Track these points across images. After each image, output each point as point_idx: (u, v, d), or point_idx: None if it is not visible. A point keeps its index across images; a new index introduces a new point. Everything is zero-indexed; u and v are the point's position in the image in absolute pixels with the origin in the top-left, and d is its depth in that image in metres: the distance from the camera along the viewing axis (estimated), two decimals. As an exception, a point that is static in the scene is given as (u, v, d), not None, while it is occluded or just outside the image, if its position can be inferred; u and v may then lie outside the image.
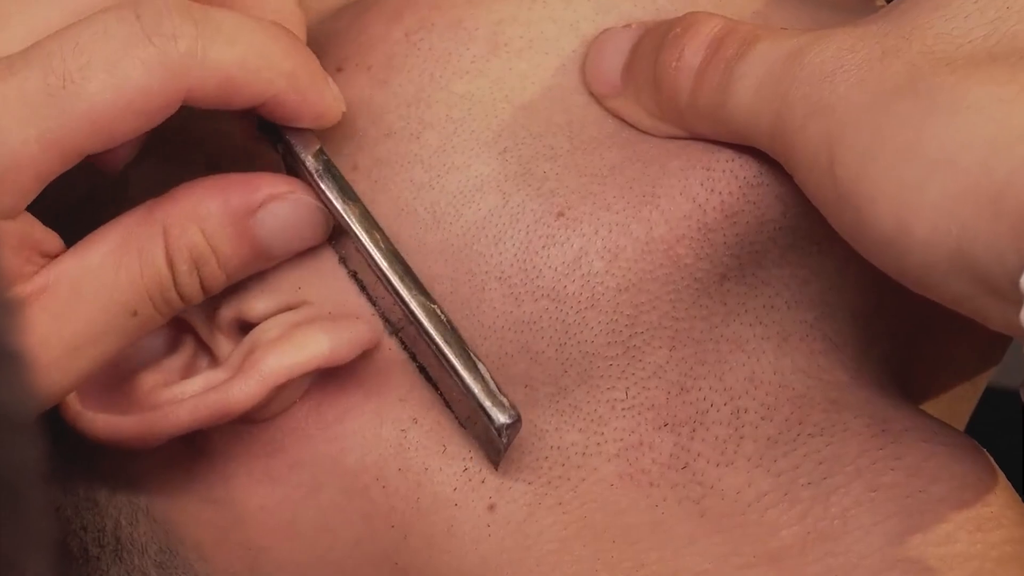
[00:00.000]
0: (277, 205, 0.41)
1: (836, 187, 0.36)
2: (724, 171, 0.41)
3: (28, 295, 0.39)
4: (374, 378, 0.43)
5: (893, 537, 0.41)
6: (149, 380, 0.43)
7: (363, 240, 0.42)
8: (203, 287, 0.41)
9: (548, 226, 0.42)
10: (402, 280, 0.41)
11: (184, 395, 0.42)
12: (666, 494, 0.42)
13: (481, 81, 0.44)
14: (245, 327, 0.43)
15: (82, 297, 0.39)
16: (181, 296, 0.40)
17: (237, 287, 0.43)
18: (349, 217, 0.42)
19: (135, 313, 0.40)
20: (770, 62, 0.38)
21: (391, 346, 0.43)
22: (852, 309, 0.43)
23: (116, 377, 0.43)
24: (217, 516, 0.43)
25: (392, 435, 0.42)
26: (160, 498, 0.44)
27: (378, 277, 0.41)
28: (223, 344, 0.43)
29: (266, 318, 0.43)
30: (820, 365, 0.43)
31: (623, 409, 0.42)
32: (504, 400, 0.40)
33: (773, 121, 0.38)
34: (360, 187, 0.43)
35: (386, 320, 0.42)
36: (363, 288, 0.43)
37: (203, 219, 0.40)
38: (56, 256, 0.40)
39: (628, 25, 0.43)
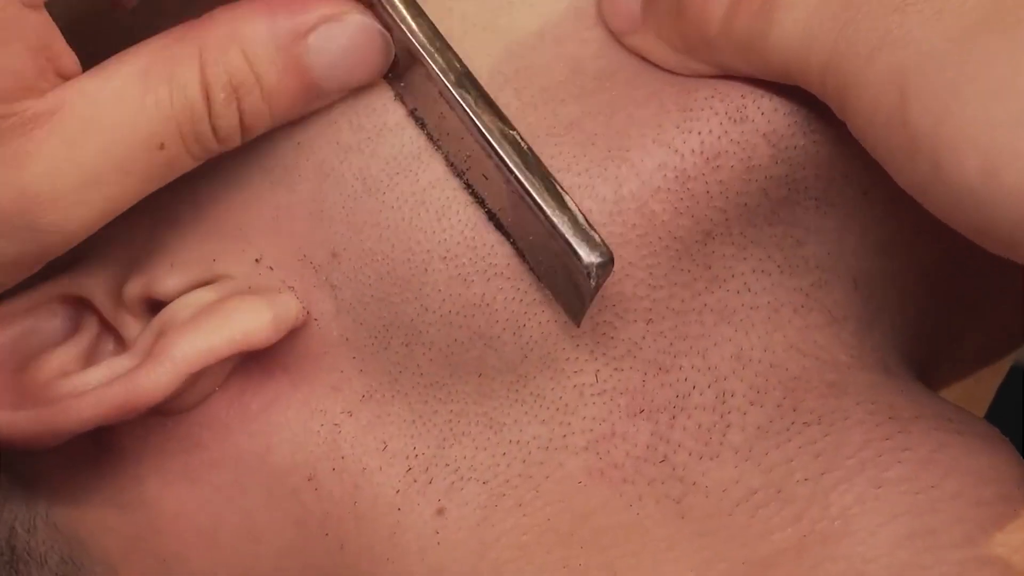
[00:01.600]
0: (331, 28, 0.37)
1: (907, 130, 0.32)
2: (703, 109, 0.37)
3: (39, 113, 0.34)
4: (302, 363, 0.39)
5: (901, 539, 0.37)
6: (46, 369, 0.39)
7: (429, 62, 0.37)
8: (243, 123, 0.36)
9: None
10: (476, 103, 0.37)
11: (86, 386, 0.38)
12: (642, 492, 0.38)
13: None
14: (155, 306, 0.39)
15: (101, 123, 0.35)
16: (216, 131, 0.36)
17: (143, 260, 0.39)
18: (415, 36, 0.37)
19: (162, 147, 0.35)
20: None
21: (320, 323, 0.39)
22: (854, 276, 0.40)
23: (9, 366, 0.39)
24: (127, 522, 0.40)
25: (324, 430, 0.39)
26: (62, 502, 0.41)
27: (448, 103, 0.37)
28: (130, 324, 0.40)
29: (178, 295, 0.39)
30: (816, 342, 0.39)
31: (592, 395, 0.38)
32: (595, 236, 0.36)
33: (827, 56, 0.34)
34: (283, 150, 0.39)
35: (449, 162, 0.38)
36: (423, 127, 0.38)
37: (246, 41, 0.36)
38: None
39: None
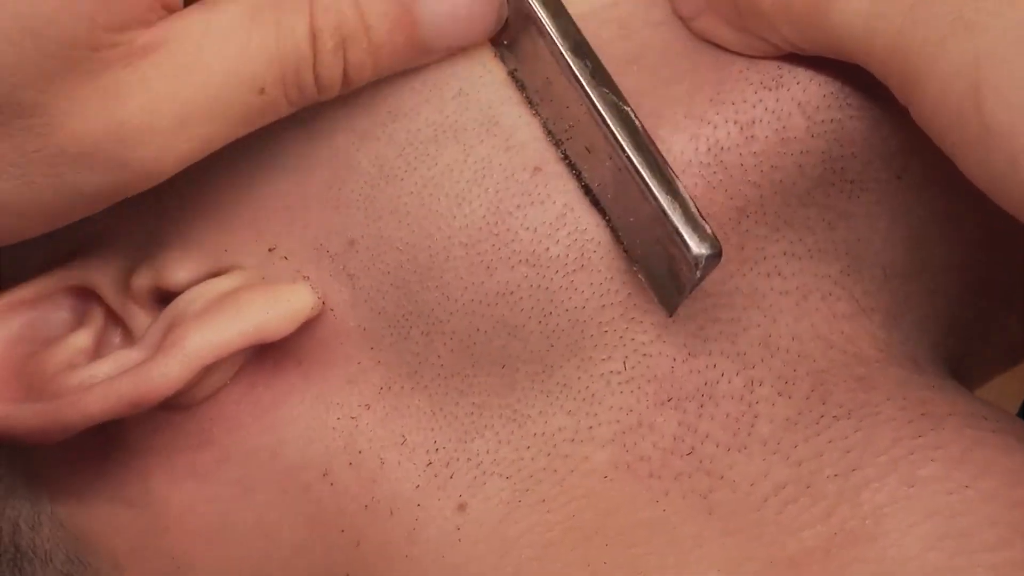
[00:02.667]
0: None
1: (982, 124, 0.31)
2: (737, 80, 0.36)
3: (145, 45, 0.33)
4: (317, 355, 0.38)
5: (934, 541, 0.36)
6: (53, 361, 0.38)
7: (547, 26, 0.35)
8: (345, 74, 0.35)
9: (523, 183, 0.36)
10: (592, 75, 0.35)
11: (94, 379, 0.37)
12: (668, 487, 0.37)
13: None
14: (164, 297, 0.38)
15: (204, 61, 0.34)
16: (317, 80, 0.35)
17: (151, 250, 0.38)
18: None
19: (262, 91, 0.34)
20: None
21: (336, 312, 0.37)
22: (883, 265, 0.38)
23: (13, 358, 0.38)
24: (134, 520, 0.39)
25: (340, 424, 0.38)
26: (67, 498, 0.40)
27: (561, 70, 0.36)
28: (138, 316, 0.38)
29: (188, 286, 0.38)
30: (844, 332, 0.38)
31: (619, 383, 0.37)
32: (706, 226, 0.34)
33: (893, 38, 0.33)
34: (296, 137, 0.38)
35: (547, 130, 0.37)
36: (522, 89, 0.37)
37: None
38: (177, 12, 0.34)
39: None
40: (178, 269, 0.38)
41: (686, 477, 0.37)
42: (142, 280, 0.38)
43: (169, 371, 0.36)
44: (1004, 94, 0.30)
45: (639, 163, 0.35)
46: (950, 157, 0.32)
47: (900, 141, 0.33)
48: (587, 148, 0.36)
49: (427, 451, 0.37)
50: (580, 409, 0.37)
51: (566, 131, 0.36)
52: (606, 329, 0.37)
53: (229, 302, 0.37)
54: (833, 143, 0.36)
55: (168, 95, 0.33)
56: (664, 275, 0.35)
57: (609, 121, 0.35)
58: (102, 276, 0.38)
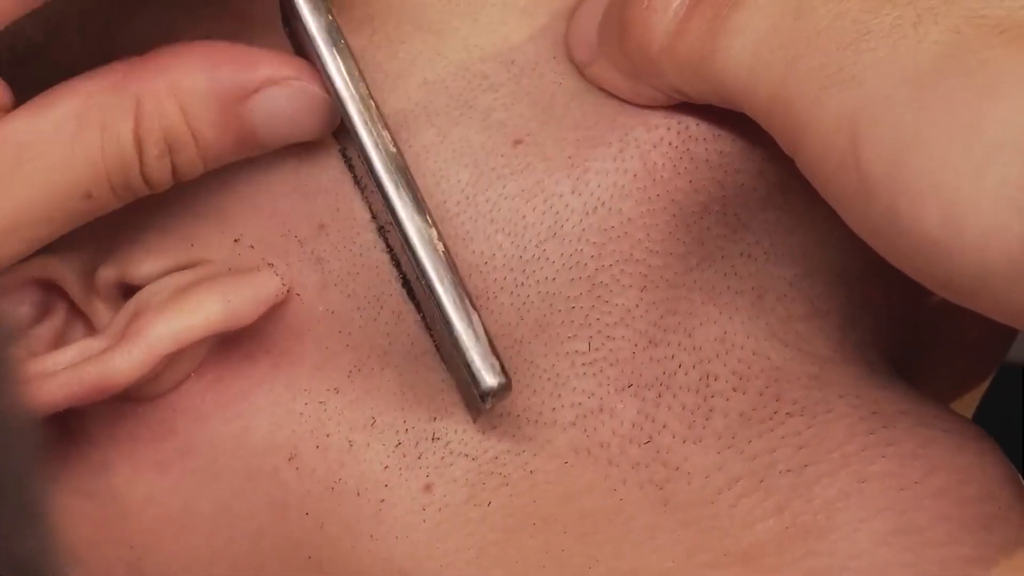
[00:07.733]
0: (275, 92, 0.35)
1: (861, 176, 0.31)
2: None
3: None
4: (284, 343, 0.38)
5: (885, 536, 0.36)
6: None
7: (363, 139, 0.36)
8: (175, 173, 0.36)
9: (503, 156, 0.37)
10: (399, 192, 0.36)
11: (55, 367, 0.37)
12: (626, 475, 0.37)
13: None
14: (129, 292, 0.38)
15: (28, 169, 0.34)
16: (147, 181, 0.35)
17: (117, 244, 0.38)
18: (351, 110, 0.36)
19: (89, 196, 0.35)
20: (774, 18, 0.33)
21: (303, 298, 0.38)
22: (839, 269, 0.39)
23: None
24: (94, 511, 0.39)
25: (307, 409, 0.38)
26: None
27: (374, 183, 0.36)
28: (101, 311, 0.39)
29: (154, 280, 0.38)
30: (798, 332, 0.39)
31: (583, 365, 0.38)
32: (495, 362, 0.36)
33: (775, 90, 0.33)
34: None
35: (373, 216, 0.38)
36: (357, 182, 0.38)
37: (185, 95, 0.35)
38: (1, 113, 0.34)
39: None
40: (144, 262, 0.38)
41: (643, 467, 0.37)
42: (107, 274, 0.38)
43: (132, 359, 0.36)
44: (880, 148, 0.31)
45: (441, 294, 0.36)
46: (835, 209, 0.33)
47: None
48: (402, 246, 0.37)
49: (396, 431, 0.37)
50: (545, 389, 0.37)
51: (388, 223, 0.37)
52: (573, 305, 0.37)
53: (192, 291, 0.37)
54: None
55: None
56: (464, 383, 0.37)
57: (416, 247, 0.36)
58: (66, 269, 0.38)
